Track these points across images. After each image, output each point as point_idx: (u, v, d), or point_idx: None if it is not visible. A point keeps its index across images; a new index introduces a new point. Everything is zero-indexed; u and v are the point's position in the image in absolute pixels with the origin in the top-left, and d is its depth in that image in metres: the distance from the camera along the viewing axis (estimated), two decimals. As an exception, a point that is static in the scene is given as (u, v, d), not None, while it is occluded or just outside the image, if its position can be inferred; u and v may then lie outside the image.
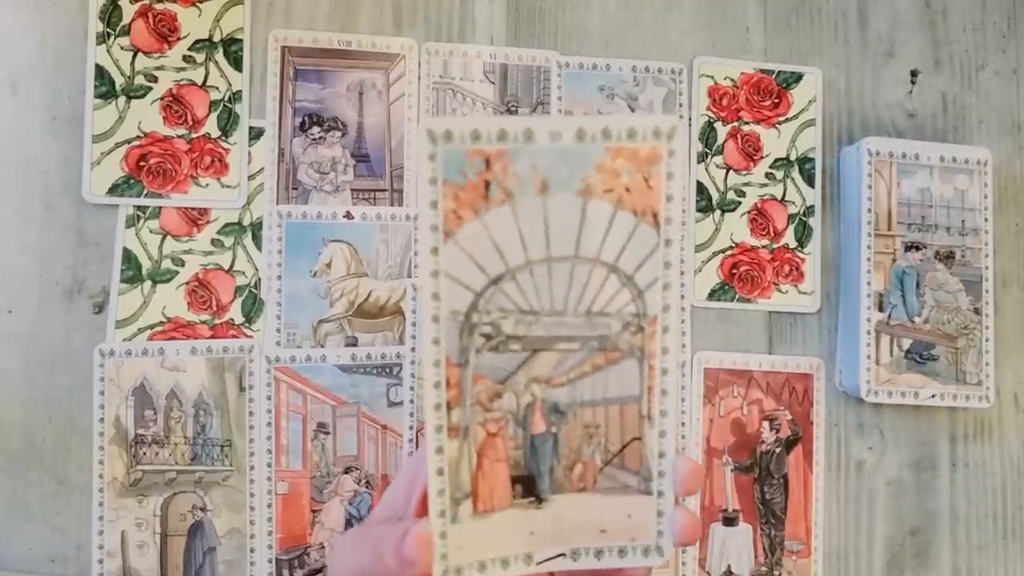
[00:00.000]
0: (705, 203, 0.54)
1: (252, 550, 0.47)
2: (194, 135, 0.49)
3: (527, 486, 0.30)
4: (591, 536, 0.31)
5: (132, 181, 0.48)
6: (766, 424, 0.53)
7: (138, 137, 0.49)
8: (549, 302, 0.30)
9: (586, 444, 0.31)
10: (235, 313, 0.49)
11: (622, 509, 0.31)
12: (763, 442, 0.53)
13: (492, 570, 0.30)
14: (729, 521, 0.52)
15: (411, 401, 0.49)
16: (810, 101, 0.56)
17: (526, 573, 0.30)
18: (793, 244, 0.55)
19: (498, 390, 0.30)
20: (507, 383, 0.30)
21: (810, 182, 0.55)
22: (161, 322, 0.48)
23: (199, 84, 0.50)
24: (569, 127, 0.28)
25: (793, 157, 0.55)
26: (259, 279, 0.50)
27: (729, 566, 0.52)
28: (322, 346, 0.49)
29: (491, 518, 0.30)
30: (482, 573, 0.29)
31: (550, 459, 0.31)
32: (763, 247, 0.55)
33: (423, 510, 0.30)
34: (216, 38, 0.50)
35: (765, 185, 0.55)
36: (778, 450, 0.53)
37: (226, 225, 0.50)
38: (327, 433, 0.48)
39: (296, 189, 0.50)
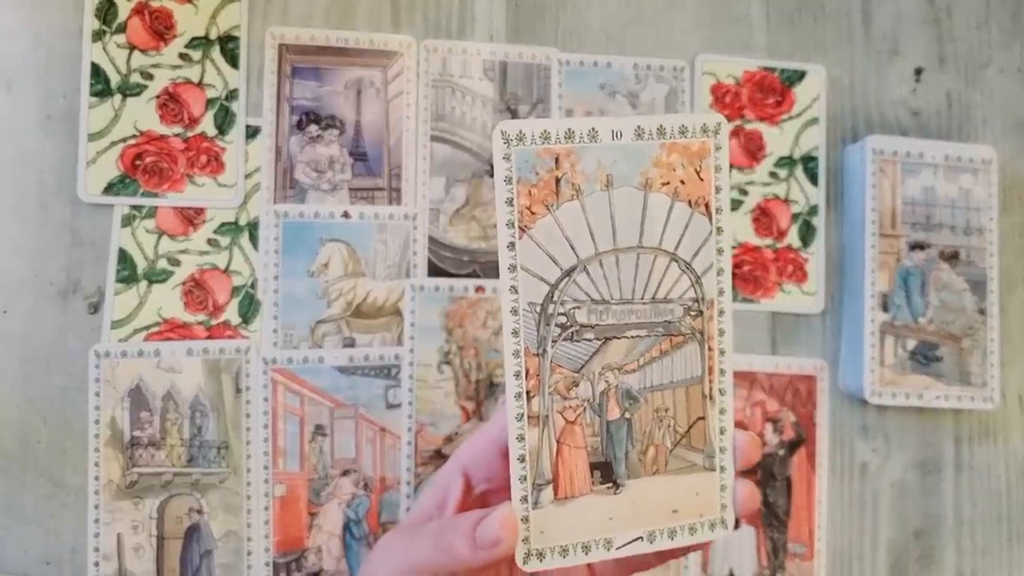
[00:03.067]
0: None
1: (249, 553, 0.47)
2: (190, 133, 0.49)
3: (605, 472, 0.32)
4: (665, 517, 0.32)
5: (127, 180, 0.48)
6: (769, 426, 0.52)
7: (134, 136, 0.48)
8: (618, 291, 0.31)
9: (657, 427, 0.32)
10: (231, 314, 0.49)
11: (691, 487, 0.32)
12: (766, 444, 0.52)
13: (573, 555, 0.31)
14: (731, 524, 0.52)
15: (410, 403, 0.49)
16: (814, 99, 0.55)
17: (606, 558, 0.31)
18: (797, 244, 0.54)
19: (574, 378, 0.31)
20: (582, 371, 0.31)
21: (814, 181, 0.55)
22: (157, 323, 0.48)
23: (195, 82, 0.49)
24: (628, 126, 0.31)
25: (796, 156, 0.55)
26: (256, 279, 0.49)
27: (732, 570, 0.52)
28: (320, 347, 0.49)
29: (571, 504, 0.31)
30: (563, 557, 0.31)
31: (625, 444, 0.32)
32: (766, 247, 0.54)
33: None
34: (213, 35, 0.50)
35: (768, 184, 0.54)
36: (781, 452, 0.52)
37: (222, 225, 0.49)
38: (325, 435, 0.48)
39: (293, 188, 0.50)
